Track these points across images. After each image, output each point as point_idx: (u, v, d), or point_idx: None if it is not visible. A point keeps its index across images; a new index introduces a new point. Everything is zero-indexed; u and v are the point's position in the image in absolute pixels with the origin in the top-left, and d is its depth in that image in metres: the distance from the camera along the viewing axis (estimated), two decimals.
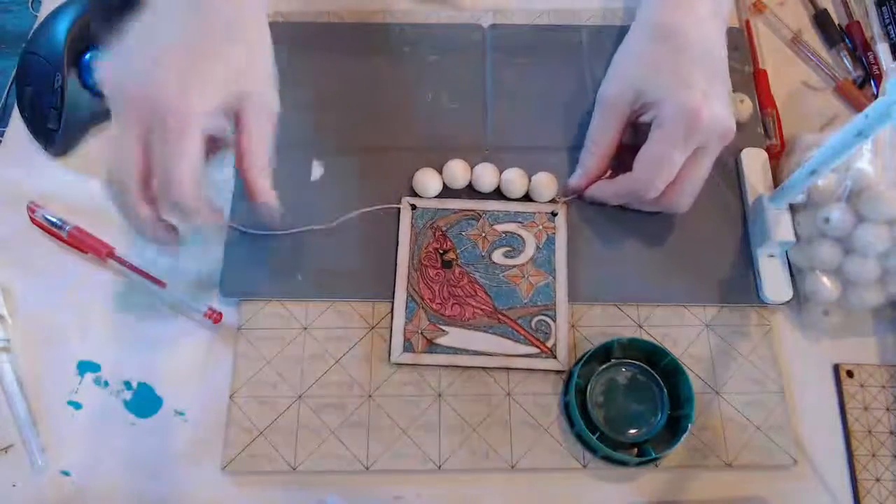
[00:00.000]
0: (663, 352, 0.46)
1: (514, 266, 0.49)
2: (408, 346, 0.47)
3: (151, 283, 0.49)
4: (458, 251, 0.50)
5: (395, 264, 0.49)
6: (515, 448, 0.46)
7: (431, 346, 0.47)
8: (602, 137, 0.50)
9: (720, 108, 0.45)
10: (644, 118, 0.48)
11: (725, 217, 0.51)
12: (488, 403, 0.47)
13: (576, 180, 0.51)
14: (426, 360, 0.47)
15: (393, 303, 0.48)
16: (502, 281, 0.49)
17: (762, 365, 0.48)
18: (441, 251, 0.49)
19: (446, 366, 0.47)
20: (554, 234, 0.50)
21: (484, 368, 0.47)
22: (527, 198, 0.52)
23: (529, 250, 0.50)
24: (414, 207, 0.51)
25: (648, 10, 0.51)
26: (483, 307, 0.48)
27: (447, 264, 0.49)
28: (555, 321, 0.48)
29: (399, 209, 0.51)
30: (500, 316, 0.48)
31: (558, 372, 0.47)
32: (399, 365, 0.47)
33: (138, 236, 0.42)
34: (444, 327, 0.48)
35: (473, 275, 0.49)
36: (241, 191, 0.52)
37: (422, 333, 0.47)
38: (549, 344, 0.47)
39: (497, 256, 0.50)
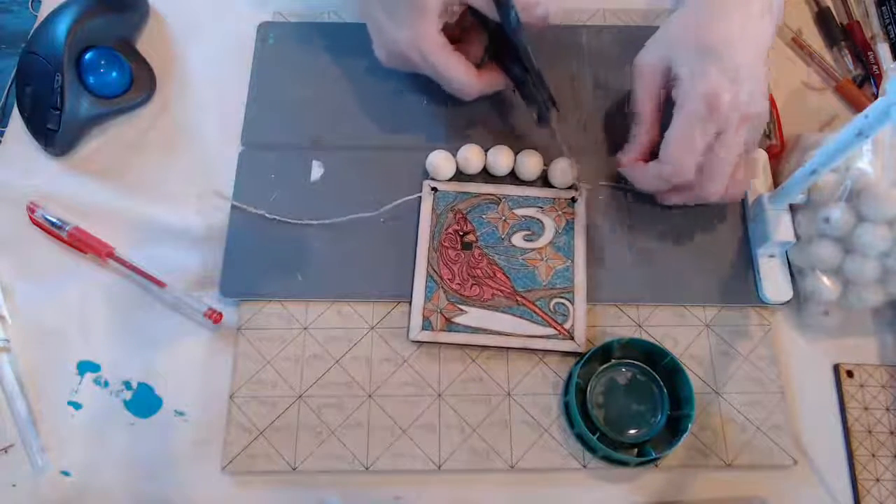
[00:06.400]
0: (663, 352, 0.46)
1: (534, 249, 0.50)
2: (426, 325, 0.47)
3: (151, 283, 0.49)
4: (477, 234, 0.50)
5: (416, 244, 0.50)
6: (515, 448, 0.46)
7: (450, 325, 0.47)
8: (642, 107, 0.49)
9: (744, 92, 0.44)
10: (673, 93, 0.47)
11: (725, 217, 0.51)
12: (488, 403, 0.47)
13: (627, 153, 0.50)
14: (445, 339, 0.47)
15: (413, 281, 0.48)
16: (521, 264, 0.49)
17: (762, 365, 0.48)
18: (461, 233, 0.50)
19: (465, 345, 0.47)
20: (573, 219, 0.50)
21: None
22: (545, 182, 0.52)
23: (549, 234, 0.50)
24: (435, 190, 0.51)
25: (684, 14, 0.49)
26: (502, 288, 0.48)
27: (467, 246, 0.49)
28: (573, 304, 0.48)
29: (419, 199, 0.51)
30: (518, 297, 0.48)
31: (575, 354, 0.47)
32: (418, 343, 0.47)
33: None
34: (463, 307, 0.48)
35: (493, 257, 0.49)
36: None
37: (441, 312, 0.48)
38: (567, 326, 0.47)
39: (517, 240, 0.50)
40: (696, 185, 0.47)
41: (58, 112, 0.52)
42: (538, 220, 0.51)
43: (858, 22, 0.59)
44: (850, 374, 0.48)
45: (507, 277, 0.49)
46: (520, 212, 0.51)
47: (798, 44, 0.59)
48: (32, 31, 0.55)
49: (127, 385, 0.47)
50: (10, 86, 0.57)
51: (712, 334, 0.49)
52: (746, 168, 0.47)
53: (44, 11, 0.58)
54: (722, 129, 0.45)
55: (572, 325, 0.48)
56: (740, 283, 0.50)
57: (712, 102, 0.44)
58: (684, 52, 0.46)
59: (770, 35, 0.48)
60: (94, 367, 0.48)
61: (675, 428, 0.45)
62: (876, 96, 0.56)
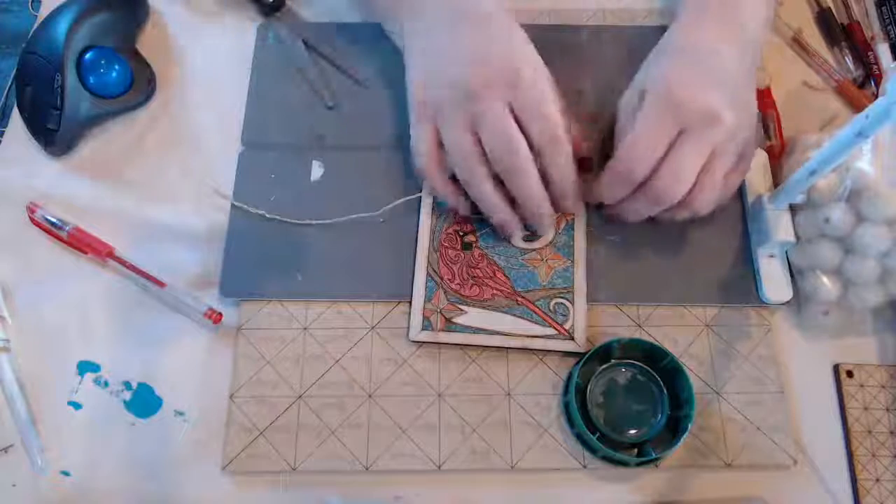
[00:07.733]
0: (663, 352, 0.46)
1: (534, 249, 0.50)
2: (426, 325, 0.47)
3: (151, 283, 0.49)
4: (477, 234, 0.50)
5: (416, 244, 0.50)
6: (515, 448, 0.46)
7: (450, 325, 0.47)
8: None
9: (709, 96, 0.44)
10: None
11: (725, 217, 0.51)
12: (488, 403, 0.47)
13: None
14: (445, 339, 0.47)
15: (413, 281, 0.49)
16: (521, 264, 0.49)
17: (762, 365, 0.48)
18: (461, 233, 0.50)
19: (465, 345, 0.47)
20: (573, 219, 0.51)
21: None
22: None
23: (548, 234, 0.50)
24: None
25: (670, 31, 0.50)
26: (502, 288, 0.49)
27: (467, 246, 0.50)
28: (573, 304, 0.48)
29: (419, 199, 0.51)
30: (518, 297, 0.48)
31: (575, 354, 0.47)
32: (418, 343, 0.47)
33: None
34: (462, 307, 0.48)
35: (493, 257, 0.49)
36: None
37: (440, 312, 0.48)
38: (567, 326, 0.47)
39: (516, 240, 0.50)
40: (658, 189, 0.45)
41: (58, 112, 0.52)
42: None
43: (858, 22, 0.59)
44: (850, 374, 0.48)
45: (507, 278, 0.49)
46: None
47: (798, 44, 0.59)
48: (32, 31, 0.55)
49: (127, 385, 0.47)
50: (10, 86, 0.57)
51: (712, 334, 0.49)
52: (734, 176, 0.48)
53: (44, 11, 0.58)
54: (684, 126, 0.44)
55: (572, 325, 0.48)
56: (740, 283, 0.50)
57: (666, 98, 0.44)
58: (652, 76, 0.47)
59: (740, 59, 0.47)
60: (94, 368, 0.48)
61: (675, 428, 0.45)
62: (876, 96, 0.56)
